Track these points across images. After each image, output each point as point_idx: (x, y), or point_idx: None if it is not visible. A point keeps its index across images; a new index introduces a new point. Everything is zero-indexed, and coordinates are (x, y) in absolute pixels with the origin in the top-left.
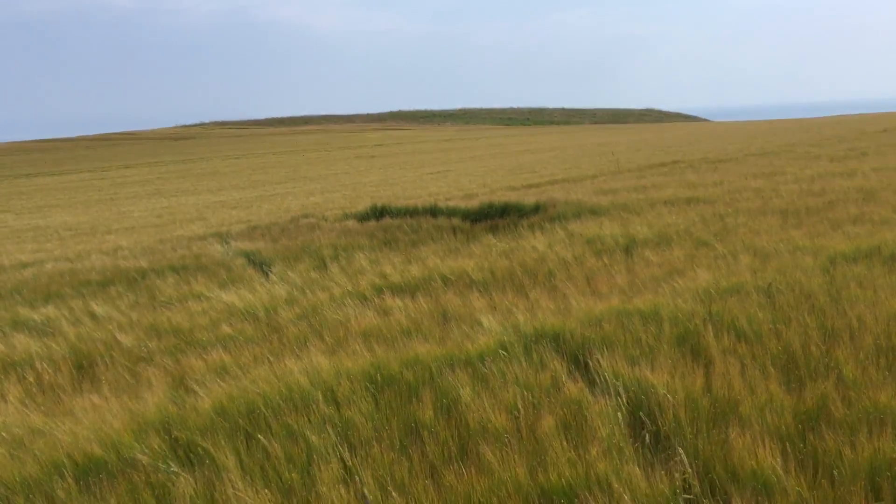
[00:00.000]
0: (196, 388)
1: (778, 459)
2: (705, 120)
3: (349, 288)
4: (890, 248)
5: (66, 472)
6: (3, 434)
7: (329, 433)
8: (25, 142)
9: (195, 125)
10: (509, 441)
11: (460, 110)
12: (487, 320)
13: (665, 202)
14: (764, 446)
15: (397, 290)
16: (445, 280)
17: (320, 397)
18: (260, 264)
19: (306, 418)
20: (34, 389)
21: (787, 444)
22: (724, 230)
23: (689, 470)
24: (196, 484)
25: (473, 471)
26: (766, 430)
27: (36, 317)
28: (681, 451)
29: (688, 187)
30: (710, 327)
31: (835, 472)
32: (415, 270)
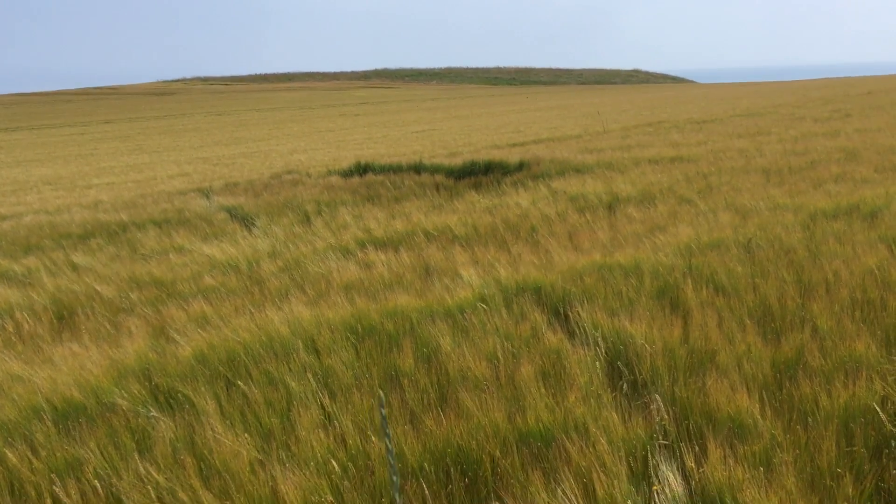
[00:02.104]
0: (177, 336)
1: (756, 406)
2: (692, 81)
3: (332, 242)
4: (869, 205)
5: (44, 416)
6: None
7: (309, 380)
8: (3, 96)
9: (177, 81)
10: (488, 388)
11: (446, 69)
12: (469, 274)
13: (649, 161)
14: (741, 393)
15: (380, 244)
16: (428, 235)
17: (301, 346)
18: (242, 219)
19: (286, 366)
20: (13, 338)
21: (764, 392)
22: (707, 188)
23: (666, 416)
24: (176, 428)
25: (452, 416)
26: (744, 378)
27: (16, 268)
28: (658, 398)
29: (672, 147)
30: (689, 281)
31: (809, 418)
32: (398, 225)
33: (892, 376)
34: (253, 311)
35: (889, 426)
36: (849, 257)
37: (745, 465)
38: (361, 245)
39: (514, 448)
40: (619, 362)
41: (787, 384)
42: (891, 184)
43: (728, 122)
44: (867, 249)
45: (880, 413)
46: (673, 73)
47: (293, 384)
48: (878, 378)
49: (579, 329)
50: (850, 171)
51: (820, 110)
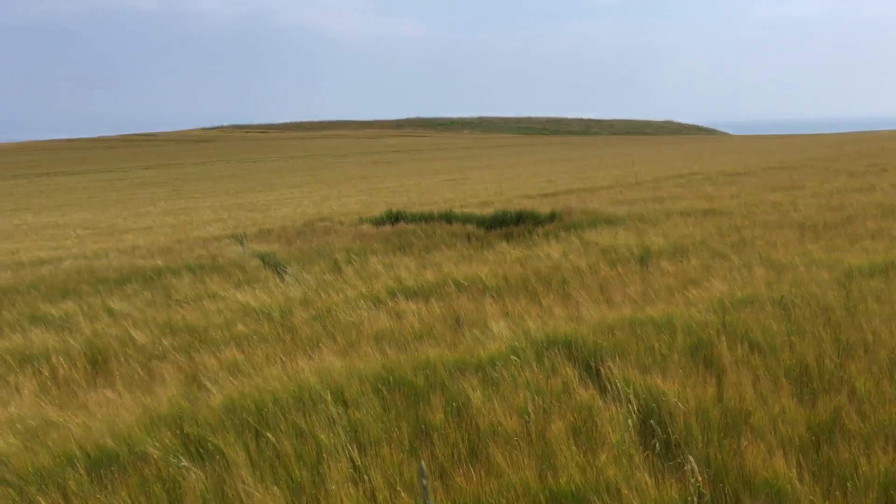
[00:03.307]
0: (208, 384)
1: (793, 470)
2: (724, 133)
3: (363, 290)
4: None
5: (78, 464)
6: (18, 425)
7: (339, 433)
8: (47, 141)
9: (215, 128)
10: (519, 444)
11: (478, 118)
12: (499, 326)
13: (682, 213)
14: (778, 456)
15: (411, 294)
16: (459, 285)
17: (330, 397)
18: (275, 266)
19: (315, 417)
20: (49, 383)
21: (801, 456)
22: (741, 242)
23: (700, 478)
24: (206, 479)
25: (483, 472)
26: (780, 440)
27: (54, 311)
28: (691, 459)
29: (705, 199)
30: (723, 338)
31: (849, 483)
32: (429, 275)
33: None
34: (284, 359)
35: None
36: (888, 317)
37: None
38: (392, 294)
39: None
40: (651, 420)
41: (825, 448)
42: None
43: (761, 174)
44: None
45: None
46: (705, 125)
47: (322, 436)
48: None
49: (611, 385)
50: (886, 226)
51: (855, 164)
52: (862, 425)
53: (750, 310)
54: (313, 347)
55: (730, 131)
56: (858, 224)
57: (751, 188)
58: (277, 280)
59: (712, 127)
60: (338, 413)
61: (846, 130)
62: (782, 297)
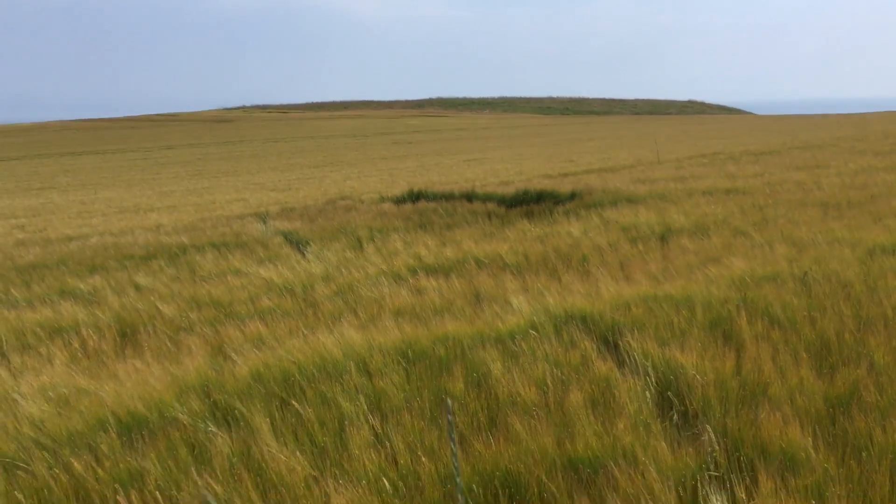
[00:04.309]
0: (234, 356)
1: (808, 439)
2: (749, 113)
3: (384, 267)
4: None
5: (109, 428)
6: (51, 393)
7: (361, 401)
8: (72, 121)
9: (236, 108)
10: (537, 413)
11: (499, 98)
12: (519, 301)
13: (703, 192)
14: (794, 426)
15: (431, 271)
16: (479, 263)
17: (353, 368)
18: (297, 243)
19: (339, 387)
20: (79, 354)
21: (817, 426)
22: (763, 221)
23: (717, 447)
24: (232, 443)
25: (501, 440)
26: (796, 411)
27: (82, 286)
28: (709, 428)
29: (727, 178)
30: (743, 313)
31: (863, 453)
32: (449, 252)
33: None
34: (307, 333)
35: None
36: None
37: (797, 498)
38: (413, 271)
39: (562, 473)
40: (669, 392)
41: (841, 419)
42: None
43: (785, 154)
44: None
45: None
46: (729, 105)
47: (345, 404)
48: None
49: (629, 358)
50: None
51: (881, 144)
52: (879, 398)
53: (771, 286)
54: (335, 321)
55: (755, 111)
56: (882, 203)
57: (774, 167)
58: (299, 257)
59: (737, 107)
60: (360, 383)
61: (874, 110)
62: (804, 273)
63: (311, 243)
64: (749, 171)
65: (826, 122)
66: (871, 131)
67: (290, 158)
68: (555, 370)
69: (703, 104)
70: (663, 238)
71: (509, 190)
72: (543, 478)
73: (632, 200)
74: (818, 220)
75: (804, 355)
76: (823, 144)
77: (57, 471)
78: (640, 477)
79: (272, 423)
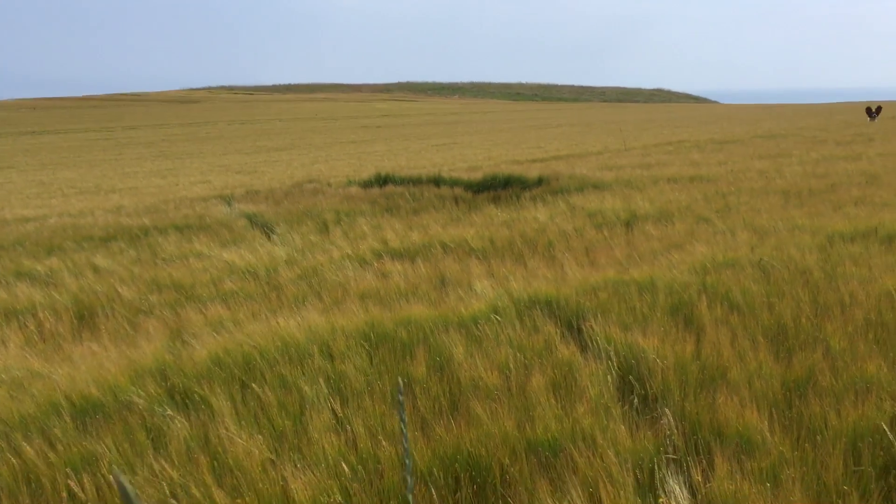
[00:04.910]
0: (193, 339)
1: (764, 423)
2: (715, 102)
3: (349, 251)
4: (887, 228)
5: (63, 412)
6: (3, 376)
7: (322, 385)
8: (31, 99)
9: (202, 89)
10: (499, 397)
11: (469, 84)
12: (483, 286)
13: (668, 179)
14: (750, 410)
15: (397, 255)
16: (445, 247)
17: (315, 351)
18: (262, 226)
19: (300, 370)
20: (35, 337)
21: (774, 410)
22: (726, 208)
23: (675, 430)
24: (190, 427)
25: (463, 424)
26: (754, 395)
27: (39, 268)
28: (668, 412)
29: (692, 166)
30: (703, 298)
31: (818, 436)
32: (415, 237)
33: None
34: (269, 316)
35: None
36: (865, 279)
37: (752, 481)
38: (378, 255)
39: (523, 456)
40: (630, 376)
41: (797, 402)
42: None
43: (749, 142)
44: (884, 272)
45: (889, 434)
46: (695, 93)
47: (306, 388)
48: (888, 399)
49: (592, 342)
50: (870, 194)
51: (842, 133)
52: (834, 382)
53: (731, 272)
54: (299, 305)
55: (721, 100)
56: (843, 191)
57: (738, 156)
58: (264, 240)
59: (703, 96)
60: (322, 366)
61: (837, 101)
62: (763, 259)
63: (277, 226)
64: (713, 160)
65: (789, 112)
66: (833, 121)
67: (257, 141)
68: (518, 354)
69: (669, 93)
70: (628, 224)
71: (477, 175)
72: (505, 461)
73: (598, 187)
74: (779, 208)
75: (762, 340)
76: (786, 134)
77: (8, 455)
78: (599, 460)
79: (233, 407)
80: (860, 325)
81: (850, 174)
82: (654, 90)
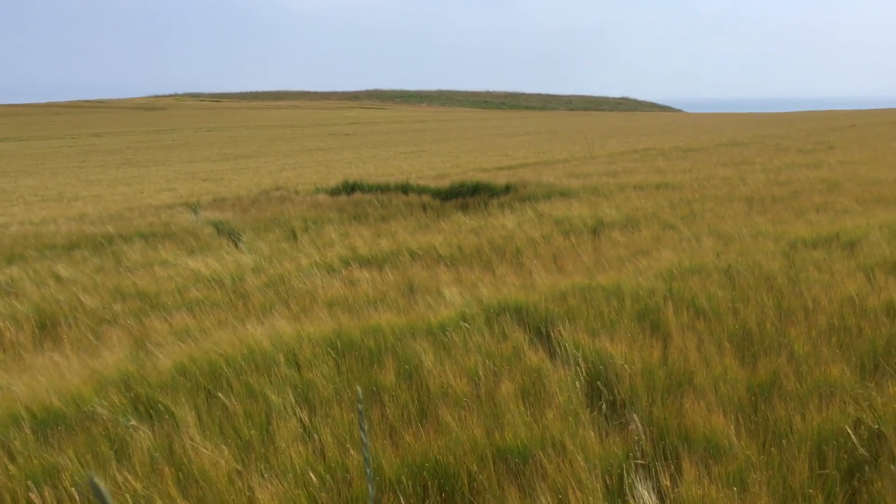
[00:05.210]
0: (158, 348)
1: (731, 427)
2: (679, 111)
3: (317, 259)
4: (849, 235)
5: (23, 424)
6: None
7: (289, 393)
8: None
9: (168, 96)
10: (468, 405)
11: (437, 91)
12: (452, 293)
13: (635, 187)
14: (717, 414)
15: (365, 262)
16: (413, 254)
17: (282, 360)
18: (229, 234)
19: (267, 379)
20: None
21: (740, 414)
22: (691, 215)
23: (644, 436)
24: (154, 437)
25: (432, 431)
26: (720, 400)
27: None
28: (636, 417)
29: (658, 173)
30: (670, 304)
31: (783, 440)
32: (383, 244)
33: (866, 401)
34: (236, 324)
35: (861, 450)
36: (827, 285)
37: (719, 485)
38: (346, 263)
39: (492, 463)
40: (598, 382)
41: (763, 406)
42: (871, 214)
43: (713, 150)
44: (846, 277)
45: (853, 437)
46: (661, 102)
47: (273, 397)
48: (851, 402)
49: (560, 349)
50: (831, 201)
51: (804, 142)
52: (799, 386)
53: (697, 278)
54: (266, 313)
55: (685, 109)
56: (804, 198)
57: (702, 163)
58: (231, 247)
59: (668, 104)
60: (289, 375)
61: (799, 109)
62: (728, 265)
63: (244, 234)
64: (678, 167)
65: (752, 121)
66: (795, 129)
67: (224, 148)
68: (487, 361)
69: (635, 101)
70: (595, 231)
71: (445, 182)
72: (473, 468)
73: (565, 194)
74: (743, 215)
75: (728, 345)
76: (750, 142)
77: None
78: (568, 466)
79: (198, 417)
80: (823, 329)
81: (811, 181)
82: (619, 99)
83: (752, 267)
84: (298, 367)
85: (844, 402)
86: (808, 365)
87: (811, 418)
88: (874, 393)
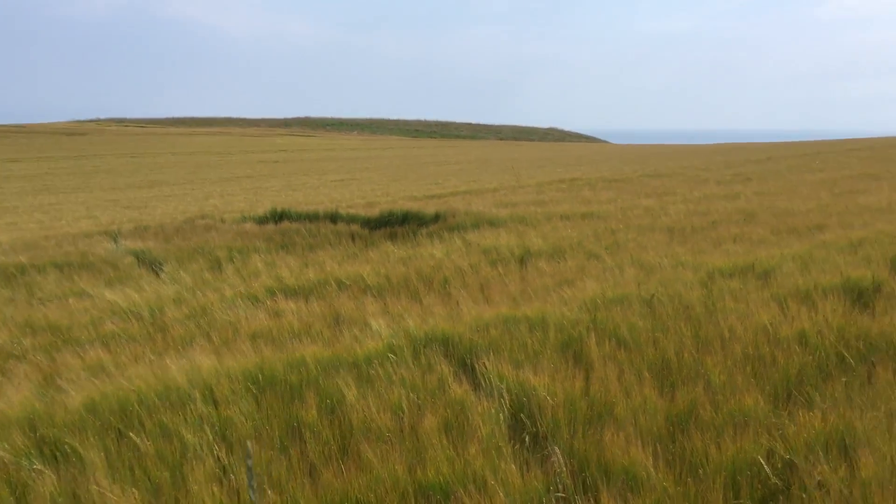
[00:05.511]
0: (68, 385)
1: (649, 458)
2: (605, 141)
3: (242, 289)
4: (763, 265)
5: None
6: None
7: (206, 431)
8: None
9: (90, 121)
10: (391, 440)
11: (368, 120)
12: (378, 324)
13: (561, 216)
14: (636, 446)
15: (291, 293)
16: (341, 284)
17: (198, 396)
18: (150, 264)
19: (182, 417)
20: None
21: (658, 444)
22: (615, 245)
23: (564, 468)
24: (59, 481)
25: (353, 469)
26: (639, 430)
27: None
28: (557, 450)
29: (584, 203)
30: (592, 334)
31: (700, 470)
32: (311, 274)
33: (779, 430)
34: (153, 358)
35: (774, 479)
36: (743, 314)
37: None
38: (272, 293)
39: (413, 501)
40: (522, 414)
41: (680, 437)
42: (784, 245)
43: (637, 181)
44: (760, 307)
45: (765, 467)
46: (588, 133)
47: (189, 436)
48: (764, 432)
49: (485, 381)
50: (747, 231)
51: (722, 173)
52: (715, 415)
53: (619, 308)
54: (186, 346)
55: (611, 140)
56: (722, 228)
57: (627, 194)
58: (152, 278)
59: (595, 135)
60: (206, 412)
61: (718, 142)
62: (650, 296)
63: (167, 264)
64: (603, 197)
65: (674, 152)
66: (714, 162)
67: (149, 175)
68: (411, 394)
69: (563, 132)
70: (522, 260)
71: (374, 211)
72: None
73: (493, 223)
74: (664, 245)
75: (648, 375)
76: (672, 173)
77: None
78: (488, 501)
79: (106, 458)
80: (739, 358)
81: (729, 212)
82: (548, 129)
83: (672, 297)
84: (216, 403)
85: (758, 432)
86: (724, 394)
87: (726, 448)
88: (787, 422)
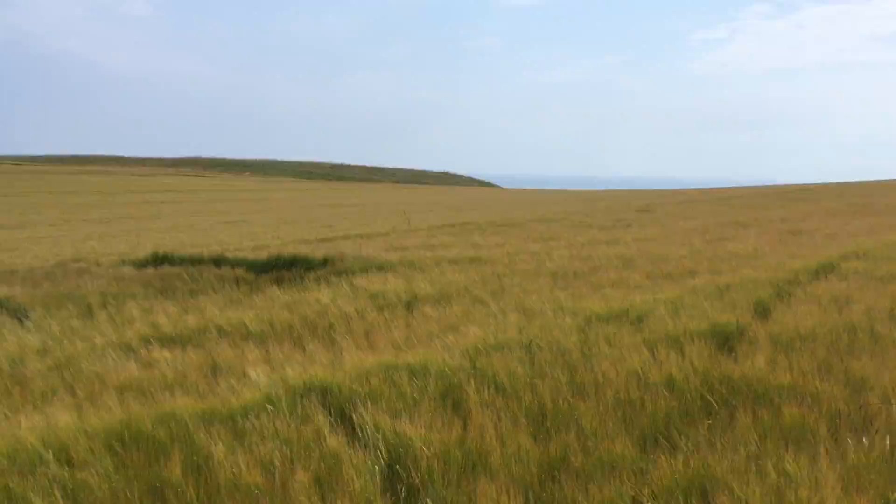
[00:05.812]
0: None
1: None
2: (497, 186)
3: (114, 338)
4: (637, 310)
5: None
6: None
7: (57, 497)
8: None
9: None
10: (259, 498)
11: (260, 160)
12: (257, 373)
13: (450, 261)
14: (507, 495)
15: (168, 341)
16: (222, 332)
17: (52, 457)
18: (14, 311)
19: (32, 480)
20: None
21: (530, 492)
22: (500, 289)
23: None
24: None
25: None
26: (512, 479)
27: None
28: (430, 502)
29: (473, 248)
30: (472, 382)
31: None
32: (190, 321)
33: (644, 476)
34: (8, 415)
35: None
36: (616, 359)
37: None
38: (147, 342)
39: None
40: (398, 466)
41: (550, 485)
42: (658, 290)
43: (525, 226)
44: (632, 352)
45: None
46: (480, 177)
47: (37, 501)
48: (631, 477)
49: (362, 431)
50: (625, 277)
51: (604, 219)
52: (585, 462)
53: (500, 354)
54: (46, 401)
55: (501, 184)
56: (602, 273)
57: (514, 238)
58: (15, 326)
59: (486, 179)
60: (60, 474)
61: (602, 188)
62: (530, 341)
63: (33, 311)
64: (492, 241)
65: (561, 198)
66: (597, 207)
67: (22, 215)
68: (284, 448)
69: (456, 176)
70: (409, 305)
71: (262, 255)
72: None
73: (382, 268)
74: (547, 290)
75: (524, 421)
76: (557, 218)
77: None
78: None
79: None
80: (611, 403)
81: (609, 258)
82: (441, 173)
83: (550, 342)
84: (71, 465)
85: (624, 479)
86: (595, 440)
87: (594, 495)
88: (651, 467)
